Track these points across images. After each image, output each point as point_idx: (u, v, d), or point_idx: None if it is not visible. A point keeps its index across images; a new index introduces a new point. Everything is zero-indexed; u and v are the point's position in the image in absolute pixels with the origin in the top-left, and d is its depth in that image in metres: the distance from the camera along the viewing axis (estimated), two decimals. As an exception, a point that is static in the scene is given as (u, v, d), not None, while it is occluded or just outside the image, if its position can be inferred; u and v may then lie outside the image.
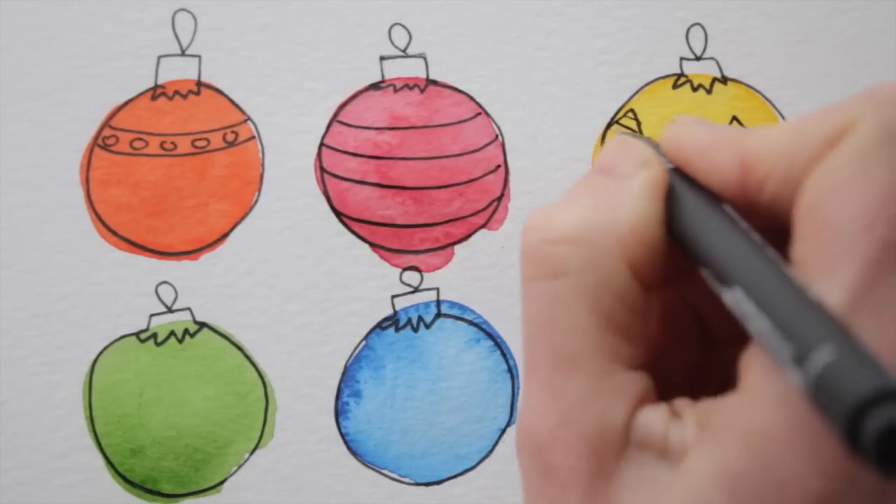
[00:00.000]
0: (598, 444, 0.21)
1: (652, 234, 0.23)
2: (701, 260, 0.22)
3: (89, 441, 0.35)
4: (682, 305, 0.26)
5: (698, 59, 0.37)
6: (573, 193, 0.24)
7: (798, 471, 0.19)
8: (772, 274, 0.20)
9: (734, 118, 0.37)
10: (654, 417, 0.21)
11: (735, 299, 0.21)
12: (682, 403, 0.22)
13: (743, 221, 0.22)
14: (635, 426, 0.22)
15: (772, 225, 0.22)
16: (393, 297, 0.36)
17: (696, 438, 0.21)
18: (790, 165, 0.21)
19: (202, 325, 0.36)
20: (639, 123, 0.37)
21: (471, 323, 0.36)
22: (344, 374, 0.36)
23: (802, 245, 0.20)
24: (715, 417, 0.21)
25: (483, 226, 0.37)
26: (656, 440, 0.21)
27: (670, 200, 0.23)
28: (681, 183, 0.24)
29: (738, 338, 0.23)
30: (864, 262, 0.19)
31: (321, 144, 0.37)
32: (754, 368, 0.20)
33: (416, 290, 0.36)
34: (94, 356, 0.36)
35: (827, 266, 0.19)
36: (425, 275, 0.37)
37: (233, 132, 0.37)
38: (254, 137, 0.37)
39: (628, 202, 0.23)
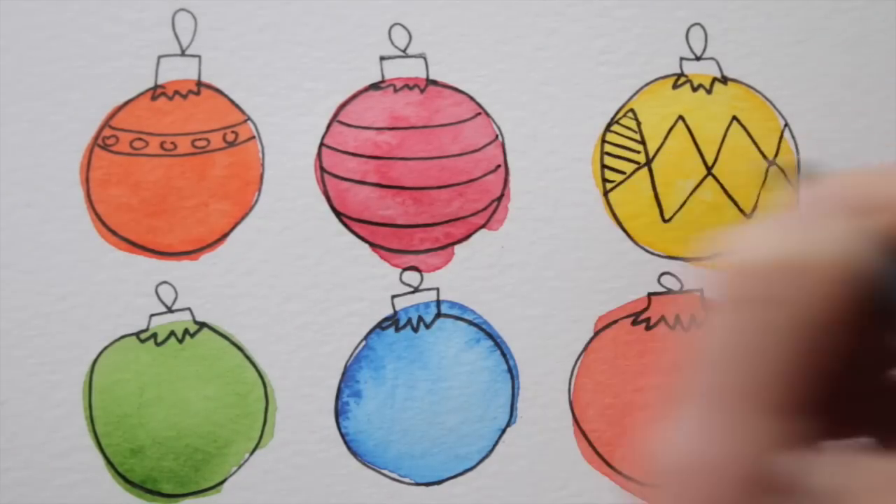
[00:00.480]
0: (750, 482, 0.21)
1: (861, 281, 0.22)
2: None
3: (89, 441, 0.35)
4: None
5: (698, 59, 0.37)
6: (791, 220, 0.23)
7: None
8: None
9: (734, 118, 0.37)
10: (803, 463, 0.21)
11: None
12: (834, 447, 0.22)
13: None
14: (787, 469, 0.21)
15: None
16: (393, 297, 0.36)
17: (855, 491, 0.20)
18: None
19: (202, 325, 0.36)
20: (639, 123, 0.37)
21: (471, 323, 0.36)
22: (344, 374, 0.36)
23: None
24: (882, 473, 0.20)
25: (483, 226, 0.37)
26: (805, 486, 0.21)
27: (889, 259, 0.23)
28: None
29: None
30: None
31: (321, 144, 0.37)
32: None
33: (416, 290, 0.36)
34: (94, 356, 0.36)
35: None
36: (425, 275, 0.37)
37: (233, 132, 0.37)
38: (254, 137, 0.37)
39: (850, 245, 0.22)
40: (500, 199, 0.37)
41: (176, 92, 0.37)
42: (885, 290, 0.22)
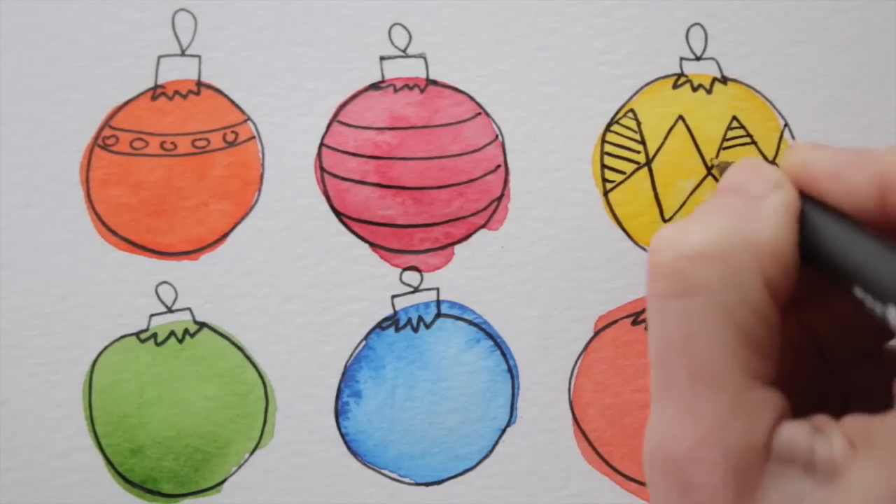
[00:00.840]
0: (741, 461, 0.21)
1: (788, 253, 0.22)
2: (856, 280, 0.22)
3: (89, 441, 0.35)
4: (802, 329, 0.26)
5: (698, 59, 0.37)
6: (704, 211, 0.24)
7: None
8: None
9: (734, 118, 0.37)
10: (797, 432, 0.21)
11: None
12: (822, 419, 0.22)
13: (889, 241, 0.22)
14: (778, 441, 0.21)
15: None
16: (393, 297, 0.36)
17: (851, 454, 0.20)
18: None
19: (202, 325, 0.36)
20: (639, 123, 0.37)
21: (471, 323, 0.36)
22: (344, 374, 0.36)
23: None
24: (877, 434, 0.20)
25: (483, 226, 0.37)
26: (801, 455, 0.21)
27: (804, 223, 0.23)
28: (814, 206, 0.24)
29: (861, 357, 0.23)
30: None
31: (321, 144, 0.37)
32: None
33: (416, 290, 0.36)
34: (94, 356, 0.36)
35: None
36: (425, 275, 0.37)
37: (233, 132, 0.37)
38: (254, 137, 0.37)
39: (766, 221, 0.22)
40: (500, 199, 0.37)
41: (176, 92, 0.37)
42: (816, 256, 0.23)
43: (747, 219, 0.23)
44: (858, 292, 0.22)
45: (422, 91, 0.37)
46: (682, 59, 0.37)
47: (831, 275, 0.23)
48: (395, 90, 0.37)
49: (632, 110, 0.37)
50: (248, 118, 0.37)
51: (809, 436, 0.21)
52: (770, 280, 0.22)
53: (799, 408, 0.22)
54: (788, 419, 0.22)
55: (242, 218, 0.36)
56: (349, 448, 0.36)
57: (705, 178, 0.37)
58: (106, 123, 0.36)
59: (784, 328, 0.23)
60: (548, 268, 0.36)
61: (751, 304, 0.22)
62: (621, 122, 0.37)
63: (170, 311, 0.36)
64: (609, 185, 0.37)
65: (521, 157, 0.37)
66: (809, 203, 0.24)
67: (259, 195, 0.36)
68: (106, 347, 0.36)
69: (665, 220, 0.37)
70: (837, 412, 0.22)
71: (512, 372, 0.36)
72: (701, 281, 0.22)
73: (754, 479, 0.21)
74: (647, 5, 0.38)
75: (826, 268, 0.23)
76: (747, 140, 0.37)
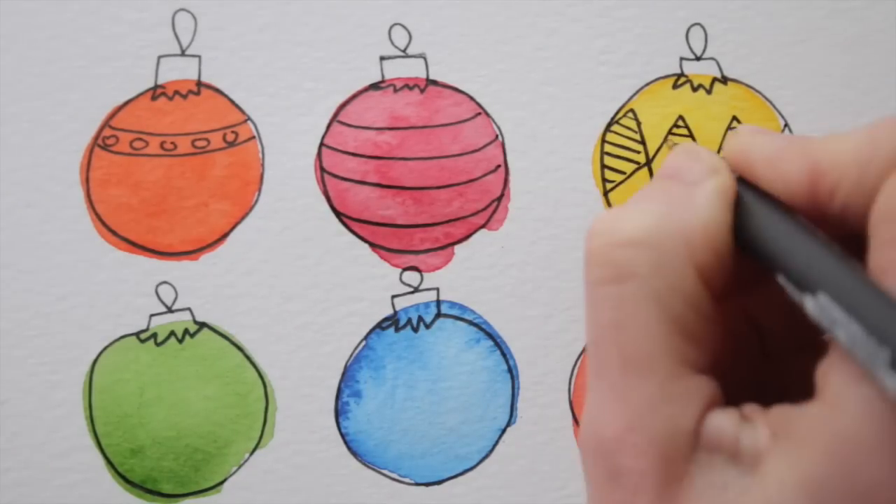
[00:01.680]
0: (667, 448, 0.21)
1: (720, 239, 0.22)
2: (779, 268, 0.22)
3: (89, 441, 0.35)
4: (742, 318, 0.26)
5: (698, 59, 0.37)
6: (640, 197, 0.24)
7: (886, 477, 0.19)
8: (859, 279, 0.20)
9: (734, 118, 0.37)
10: (724, 421, 0.21)
11: (820, 306, 0.20)
12: (751, 408, 0.22)
13: (817, 230, 0.22)
14: (705, 429, 0.21)
15: (841, 233, 0.22)
16: (393, 297, 0.36)
17: (772, 444, 0.20)
18: (863, 172, 0.21)
19: (202, 325, 0.36)
20: (639, 123, 0.37)
21: (471, 323, 0.36)
22: (344, 374, 0.36)
23: (882, 253, 0.20)
24: (795, 425, 0.20)
25: (483, 226, 0.37)
26: (727, 444, 0.21)
27: (739, 209, 0.23)
28: (749, 192, 0.24)
29: (801, 348, 0.23)
30: None
31: (321, 144, 0.37)
32: (837, 377, 0.20)
33: (416, 290, 0.36)
34: (94, 356, 0.36)
35: None
36: (425, 275, 0.37)
37: (233, 132, 0.37)
38: (254, 137, 0.37)
39: (699, 207, 0.23)
40: (500, 199, 0.37)
41: (176, 92, 0.37)
42: (750, 242, 0.23)
43: (680, 205, 0.23)
44: (782, 280, 0.22)
45: (422, 91, 0.37)
46: (682, 59, 0.37)
47: (761, 262, 0.23)
48: (395, 90, 0.37)
49: (632, 110, 0.37)
50: (248, 118, 0.37)
51: (736, 424, 0.21)
52: (702, 267, 0.22)
53: (738, 397, 0.23)
54: (719, 407, 0.22)
55: (242, 218, 0.36)
56: (349, 448, 0.36)
57: (705, 178, 0.37)
58: (106, 123, 0.36)
59: (724, 316, 0.23)
60: (548, 268, 0.36)
61: (681, 290, 0.22)
62: (621, 122, 0.37)
63: (170, 311, 0.36)
64: (609, 185, 0.37)
65: (521, 157, 0.37)
66: (745, 189, 0.24)
67: (259, 195, 0.36)
68: (106, 347, 0.36)
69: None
70: (772, 403, 0.22)
71: (512, 372, 0.36)
72: (631, 267, 0.22)
73: (682, 467, 0.21)
74: (647, 5, 0.38)
75: (756, 255, 0.23)
76: (747, 140, 0.37)
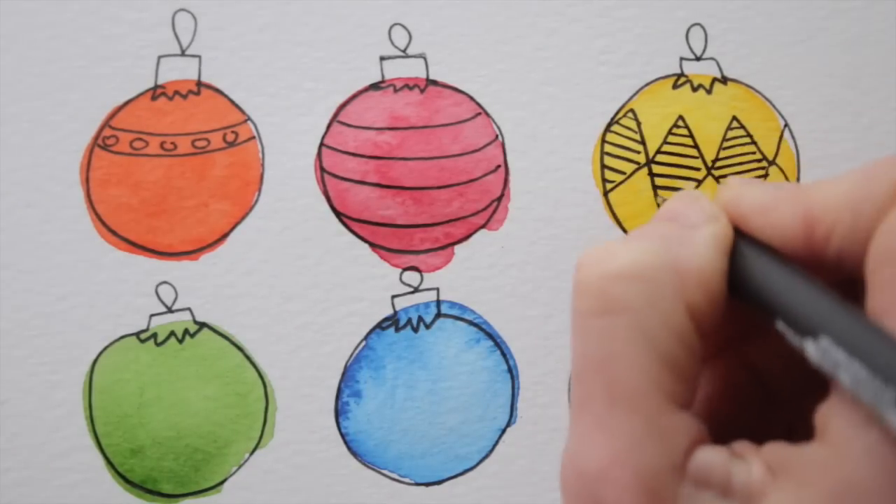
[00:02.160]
0: (653, 483, 0.21)
1: (714, 283, 0.22)
2: (779, 314, 0.22)
3: (89, 441, 0.35)
4: (741, 367, 0.26)
5: (698, 59, 0.37)
6: (637, 235, 0.24)
7: None
8: (860, 321, 0.20)
9: (734, 118, 0.37)
10: (713, 456, 0.21)
11: (821, 350, 0.20)
12: (742, 445, 0.22)
13: (814, 276, 0.22)
14: (693, 465, 0.21)
15: (838, 278, 0.22)
16: (393, 297, 0.36)
17: (770, 481, 0.20)
18: (857, 216, 0.21)
19: (202, 325, 0.36)
20: (639, 123, 0.37)
21: (471, 323, 0.36)
22: (344, 374, 0.36)
23: (881, 294, 0.20)
24: (795, 464, 0.20)
25: (483, 226, 0.37)
26: (717, 479, 0.21)
27: (735, 259, 0.23)
28: (745, 242, 0.24)
29: (800, 393, 0.23)
30: None
31: (321, 144, 0.37)
32: (840, 421, 0.20)
33: (416, 290, 0.36)
34: (94, 356, 0.36)
35: None
36: (425, 275, 0.37)
37: (233, 132, 0.37)
38: (254, 137, 0.37)
39: (695, 249, 0.23)
40: (500, 199, 0.37)
41: (176, 92, 0.37)
42: (743, 288, 0.23)
43: (677, 245, 0.23)
44: (781, 326, 0.22)
45: (422, 91, 0.37)
46: (682, 59, 0.37)
47: (758, 309, 0.23)
48: (395, 90, 0.37)
49: (632, 110, 0.37)
50: (248, 118, 0.37)
51: (726, 460, 0.21)
52: (693, 307, 0.22)
53: (738, 437, 0.22)
54: (707, 444, 0.22)
55: (242, 218, 0.36)
56: (349, 448, 0.36)
57: (705, 178, 0.37)
58: (106, 123, 0.36)
59: (723, 367, 0.23)
60: (548, 268, 0.36)
61: (671, 327, 0.22)
62: (621, 122, 0.37)
63: (170, 311, 0.36)
64: (609, 185, 0.37)
65: (521, 157, 0.37)
66: (743, 240, 0.24)
67: (259, 195, 0.36)
68: (106, 347, 0.36)
69: (665, 220, 0.37)
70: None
71: (512, 372, 0.36)
72: (623, 300, 0.22)
73: (667, 502, 0.21)
74: (647, 5, 0.38)
75: (753, 302, 0.23)
76: (747, 140, 0.37)
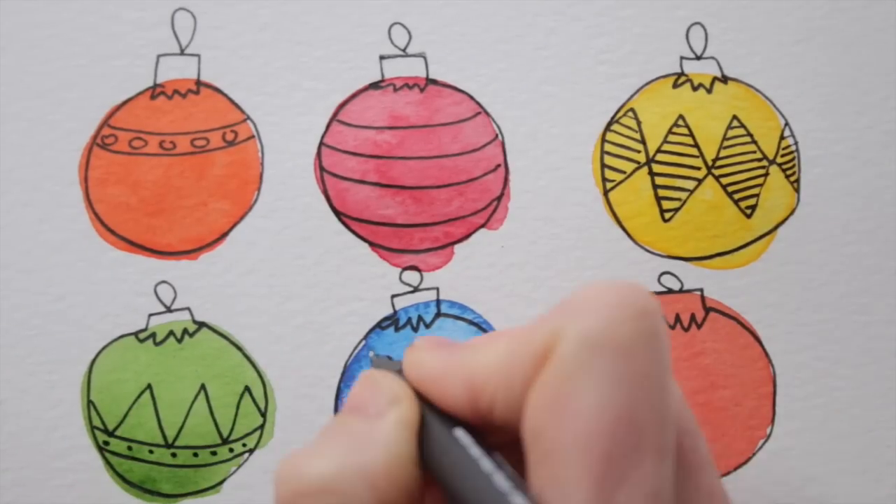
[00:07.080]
0: None
1: (406, 474, 0.22)
2: (452, 496, 0.22)
3: (88, 441, 0.35)
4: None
5: (698, 58, 0.37)
6: (323, 437, 0.24)
7: None
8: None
9: (734, 117, 0.37)
10: None
11: None
12: None
13: (475, 447, 0.22)
14: None
15: (515, 438, 0.22)
16: (393, 296, 0.36)
17: None
18: (509, 387, 0.22)
19: (201, 324, 0.36)
20: (639, 123, 0.37)
21: (471, 322, 0.36)
22: (344, 373, 0.36)
23: (536, 471, 0.21)
24: None
25: (483, 225, 0.37)
26: None
27: (423, 433, 0.23)
28: (431, 414, 0.24)
29: None
30: (591, 483, 0.19)
31: (321, 144, 0.37)
32: None
33: (415, 289, 0.36)
34: (92, 356, 0.36)
35: (561, 493, 0.20)
36: (425, 274, 0.36)
37: (232, 131, 0.37)
38: (253, 137, 0.37)
39: (379, 445, 0.23)
40: (500, 198, 0.37)
41: (175, 91, 0.37)
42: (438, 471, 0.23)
43: (362, 444, 0.23)
44: None
45: (421, 90, 0.37)
46: (682, 58, 0.37)
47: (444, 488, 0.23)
48: (395, 89, 0.37)
49: (632, 109, 0.37)
50: (248, 117, 0.37)
51: None
52: (389, 502, 0.22)
53: None
54: None
55: (242, 217, 0.36)
56: (349, 448, 0.36)
57: (706, 177, 0.37)
58: (105, 122, 0.36)
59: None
60: (548, 268, 0.36)
61: None
62: (621, 121, 0.37)
63: (169, 310, 0.36)
64: (609, 185, 0.37)
65: (521, 157, 0.37)
66: (429, 412, 0.24)
67: (258, 194, 0.36)
68: (105, 347, 0.36)
69: (665, 220, 0.37)
70: None
71: (512, 372, 0.36)
72: None
73: None
74: (647, 5, 0.38)
75: (437, 479, 0.23)
76: (747, 139, 0.37)
